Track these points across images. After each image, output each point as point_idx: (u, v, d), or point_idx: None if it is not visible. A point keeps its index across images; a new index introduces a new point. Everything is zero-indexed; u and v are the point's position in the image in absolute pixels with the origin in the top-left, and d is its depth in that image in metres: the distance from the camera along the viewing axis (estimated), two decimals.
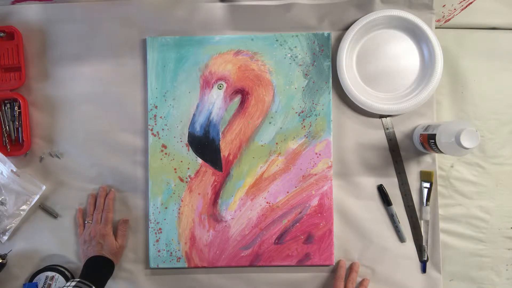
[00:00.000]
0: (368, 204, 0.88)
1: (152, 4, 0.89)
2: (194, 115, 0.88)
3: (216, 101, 0.88)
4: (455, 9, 0.89)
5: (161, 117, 0.88)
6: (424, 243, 0.87)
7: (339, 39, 0.87)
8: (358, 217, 0.88)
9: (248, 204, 0.87)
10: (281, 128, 0.87)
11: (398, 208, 0.88)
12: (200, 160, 0.88)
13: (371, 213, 0.88)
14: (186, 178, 0.88)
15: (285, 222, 0.87)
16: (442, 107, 0.90)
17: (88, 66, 0.90)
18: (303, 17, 0.88)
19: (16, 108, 0.89)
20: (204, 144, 0.88)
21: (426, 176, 0.87)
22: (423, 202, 0.87)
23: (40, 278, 0.86)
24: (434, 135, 0.78)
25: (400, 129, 0.88)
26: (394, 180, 0.88)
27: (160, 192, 0.88)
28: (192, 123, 0.88)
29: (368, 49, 0.88)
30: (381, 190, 0.88)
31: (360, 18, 0.86)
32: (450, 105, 0.91)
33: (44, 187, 0.88)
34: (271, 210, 0.87)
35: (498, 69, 0.91)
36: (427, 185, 0.87)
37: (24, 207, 0.88)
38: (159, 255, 0.88)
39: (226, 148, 0.88)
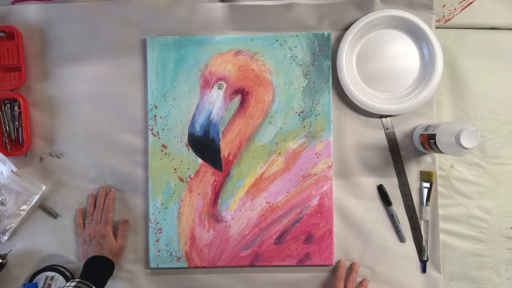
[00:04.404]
0: (368, 204, 0.88)
1: (152, 4, 0.89)
2: (194, 115, 0.88)
3: (216, 101, 0.88)
4: (455, 9, 0.89)
5: (161, 117, 0.88)
6: (424, 243, 0.87)
7: (339, 39, 0.87)
8: (358, 217, 0.88)
9: (248, 204, 0.87)
10: (281, 128, 0.87)
11: (398, 208, 0.88)
12: (200, 160, 0.88)
13: (371, 213, 0.88)
14: (186, 178, 0.88)
15: (285, 222, 0.87)
16: (442, 107, 0.90)
17: (88, 66, 0.90)
18: (303, 17, 0.88)
19: (16, 108, 0.89)
20: (204, 144, 0.88)
21: (426, 176, 0.87)
22: (423, 202, 0.87)
23: (40, 278, 0.86)
24: (434, 135, 0.78)
25: (400, 129, 0.88)
26: (394, 180, 0.88)
27: (160, 192, 0.88)
28: (192, 123, 0.88)
29: (368, 49, 0.88)
30: (381, 190, 0.88)
31: (360, 18, 0.86)
32: (450, 105, 0.91)
33: (44, 187, 0.88)
34: (271, 210, 0.87)
35: (498, 69, 0.91)
36: (427, 185, 0.87)
37: (24, 207, 0.88)
38: (159, 255, 0.88)
39: (226, 148, 0.88)
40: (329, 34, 0.88)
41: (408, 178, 0.88)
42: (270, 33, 0.88)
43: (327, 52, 0.88)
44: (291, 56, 0.88)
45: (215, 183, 0.88)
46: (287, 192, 0.87)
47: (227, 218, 0.88)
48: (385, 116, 0.88)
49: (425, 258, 0.87)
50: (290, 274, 0.88)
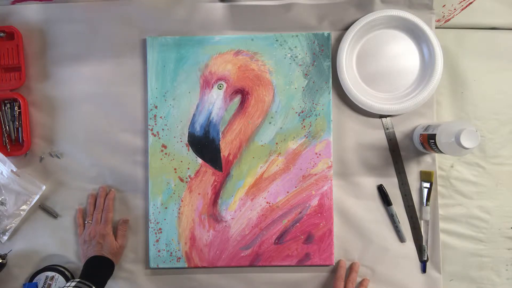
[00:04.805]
0: (368, 204, 0.88)
1: (152, 4, 0.89)
2: (194, 115, 0.88)
3: (216, 101, 0.88)
4: (455, 9, 0.89)
5: (161, 117, 0.88)
6: (424, 243, 0.87)
7: (339, 39, 0.87)
8: (358, 217, 0.88)
9: (248, 204, 0.87)
10: (281, 128, 0.87)
11: (398, 208, 0.88)
12: (200, 160, 0.88)
13: (371, 213, 0.88)
14: (186, 178, 0.88)
15: (285, 222, 0.87)
16: (442, 107, 0.90)
17: (88, 66, 0.90)
18: (303, 17, 0.88)
19: (16, 108, 0.89)
20: (204, 144, 0.88)
21: (426, 176, 0.87)
22: (423, 202, 0.87)
23: (40, 278, 0.86)
24: (434, 135, 0.78)
25: (400, 129, 0.88)
26: (394, 180, 0.88)
27: (160, 192, 0.88)
28: (192, 123, 0.88)
29: (368, 49, 0.88)
30: (381, 190, 0.88)
31: (360, 18, 0.86)
32: (450, 105, 0.91)
33: (44, 187, 0.88)
34: (271, 210, 0.87)
35: (498, 69, 0.91)
36: (427, 185, 0.87)
37: (24, 207, 0.88)
38: (159, 255, 0.88)
39: (226, 148, 0.88)
40: (329, 34, 0.88)
41: (408, 178, 0.88)
42: (270, 33, 0.88)
43: (327, 52, 0.88)
44: (291, 56, 0.88)
45: (215, 183, 0.88)
46: (287, 192, 0.87)
47: (227, 218, 0.88)
48: (385, 116, 0.88)
49: (425, 258, 0.87)
50: (290, 274, 0.88)
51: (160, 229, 0.88)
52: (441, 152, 0.78)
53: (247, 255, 0.87)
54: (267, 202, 0.87)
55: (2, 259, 0.86)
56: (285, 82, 0.88)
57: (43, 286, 0.86)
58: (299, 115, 0.87)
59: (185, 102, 0.88)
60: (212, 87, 0.88)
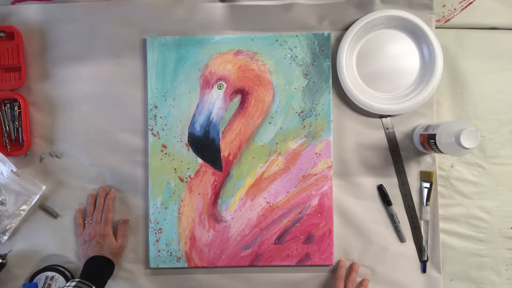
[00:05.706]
0: (368, 204, 0.88)
1: (152, 4, 0.89)
2: (194, 115, 0.88)
3: (216, 101, 0.88)
4: (455, 9, 0.89)
5: (161, 117, 0.88)
6: (424, 243, 0.87)
7: (339, 39, 0.87)
8: (358, 217, 0.88)
9: (248, 204, 0.87)
10: (281, 128, 0.87)
11: (398, 208, 0.88)
12: (200, 160, 0.88)
13: (371, 213, 0.88)
14: (186, 178, 0.88)
15: (285, 222, 0.87)
16: (442, 107, 0.90)
17: (88, 66, 0.90)
18: (303, 17, 0.88)
19: (16, 108, 0.89)
20: (204, 144, 0.88)
21: (426, 176, 0.87)
22: (423, 202, 0.87)
23: (40, 278, 0.86)
24: (434, 135, 0.78)
25: (400, 129, 0.88)
26: (394, 180, 0.88)
27: (160, 192, 0.88)
28: (192, 123, 0.88)
29: (368, 49, 0.88)
30: (381, 190, 0.88)
31: (360, 18, 0.86)
32: (450, 105, 0.91)
33: (44, 187, 0.88)
34: (271, 210, 0.87)
35: (498, 69, 0.91)
36: (427, 185, 0.87)
37: (24, 207, 0.88)
38: (159, 255, 0.88)
39: (226, 148, 0.88)
40: (329, 34, 0.88)
41: (408, 178, 0.88)
42: (270, 33, 0.88)
43: (327, 52, 0.88)
44: (291, 56, 0.88)
45: (215, 183, 0.88)
46: (287, 192, 0.87)
47: (227, 218, 0.88)
48: (385, 116, 0.88)
49: (425, 258, 0.87)
50: (290, 274, 0.88)
51: (160, 229, 0.88)
52: (441, 152, 0.78)
53: (247, 255, 0.87)
54: (267, 202, 0.87)
55: (2, 259, 0.86)
56: (285, 82, 0.88)
57: (43, 286, 0.86)
58: (299, 115, 0.87)
59: (185, 102, 0.88)
60: (212, 87, 0.88)
